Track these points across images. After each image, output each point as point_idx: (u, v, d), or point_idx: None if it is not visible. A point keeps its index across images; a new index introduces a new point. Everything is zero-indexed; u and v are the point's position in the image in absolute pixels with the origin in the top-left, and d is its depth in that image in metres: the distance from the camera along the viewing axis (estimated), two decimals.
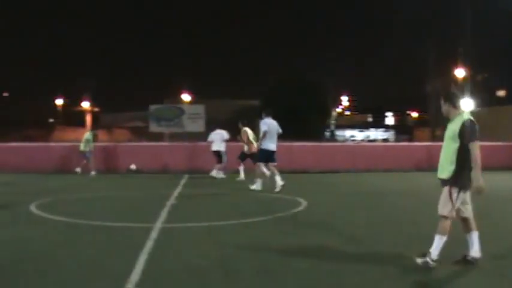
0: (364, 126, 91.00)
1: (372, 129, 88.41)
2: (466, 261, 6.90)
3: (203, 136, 23.51)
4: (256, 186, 16.16)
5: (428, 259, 6.68)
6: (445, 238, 6.74)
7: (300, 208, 12.35)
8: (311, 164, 24.47)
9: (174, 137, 42.90)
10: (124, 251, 7.77)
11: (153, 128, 46.77)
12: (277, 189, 15.49)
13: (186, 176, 20.92)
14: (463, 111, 6.94)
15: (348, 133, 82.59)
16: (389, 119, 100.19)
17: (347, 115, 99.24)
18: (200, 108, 47.54)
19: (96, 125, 71.03)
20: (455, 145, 6.74)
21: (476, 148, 6.62)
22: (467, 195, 6.87)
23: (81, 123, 77.08)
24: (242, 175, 19.89)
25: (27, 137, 59.21)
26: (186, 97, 63.09)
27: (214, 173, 21.05)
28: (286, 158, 24.65)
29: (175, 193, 15.43)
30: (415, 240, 8.36)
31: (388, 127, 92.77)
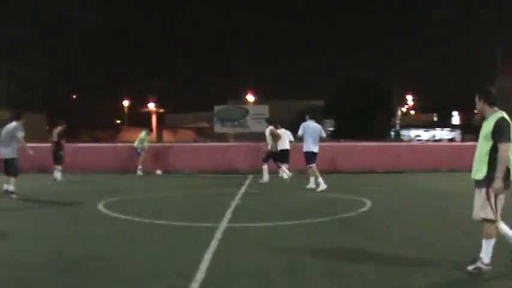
0: (429, 125, 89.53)
1: (438, 129, 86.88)
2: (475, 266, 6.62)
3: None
4: (321, 186, 16.08)
5: (479, 264, 6.49)
6: (493, 241, 6.53)
7: (365, 209, 12.21)
8: (376, 164, 24.20)
9: (238, 137, 43.08)
10: (189, 250, 7.83)
11: (218, 128, 47.18)
12: (319, 188, 16.04)
13: (251, 176, 20.97)
14: (498, 110, 6.68)
15: (413, 133, 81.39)
16: (455, 118, 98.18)
17: (412, 114, 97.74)
18: (264, 109, 47.66)
19: (161, 125, 72.14)
20: (489, 145, 6.52)
21: (504, 149, 6.39)
22: (503, 198, 6.60)
23: (147, 124, 78.37)
24: (266, 177, 19.24)
25: (95, 137, 60.56)
26: (250, 98, 63.30)
27: (285, 174, 21.07)
28: (351, 158, 24.54)
29: (240, 193, 15.48)
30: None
31: (454, 126, 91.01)
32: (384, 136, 63.01)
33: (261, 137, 24.06)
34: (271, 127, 19.45)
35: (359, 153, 24.81)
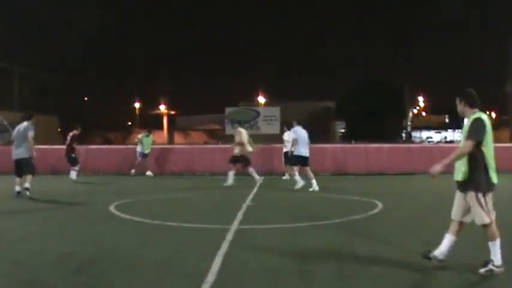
0: (441, 127, 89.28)
1: (449, 130, 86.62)
2: (427, 257, 6.80)
3: (279, 138, 23.52)
4: (314, 186, 16.72)
5: (491, 267, 6.48)
6: (498, 241, 6.55)
7: (376, 210, 12.20)
8: (387, 166, 24.17)
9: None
10: (200, 252, 7.84)
11: (229, 130, 47.24)
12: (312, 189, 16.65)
13: (262, 177, 20.97)
14: (477, 111, 6.73)
15: (425, 134, 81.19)
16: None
17: (423, 116, 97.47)
18: (275, 111, 47.76)
19: (172, 128, 72.29)
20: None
21: (466, 146, 6.47)
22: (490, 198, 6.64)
23: (158, 126, 78.50)
24: (231, 180, 18.67)
25: (107, 139, 60.78)
26: (261, 99, 63.33)
27: (283, 175, 21.28)
28: (362, 160, 24.52)
29: (251, 195, 15.49)
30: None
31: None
32: (395, 138, 62.89)
33: (272, 138, 24.11)
34: (241, 129, 19.32)
35: (370, 155, 24.79)
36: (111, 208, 12.59)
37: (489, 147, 6.57)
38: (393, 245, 8.32)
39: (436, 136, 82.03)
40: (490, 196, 6.60)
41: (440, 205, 13.49)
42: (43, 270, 6.84)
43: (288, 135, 22.16)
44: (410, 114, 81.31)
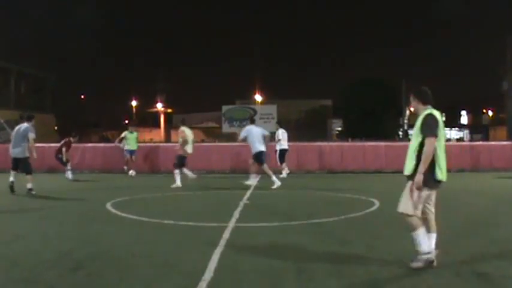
0: None
1: (446, 129, 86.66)
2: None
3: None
4: (252, 181, 17.62)
5: (421, 257, 6.64)
6: (421, 231, 6.68)
7: (373, 208, 12.21)
8: (384, 164, 24.20)
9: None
10: (197, 250, 7.86)
11: (226, 128, 47.26)
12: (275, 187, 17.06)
13: (259, 176, 20.99)
14: (430, 107, 6.83)
15: None
16: (464, 117, 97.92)
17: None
18: (272, 109, 47.79)
19: (169, 125, 72.27)
20: (417, 141, 6.68)
21: (429, 144, 6.51)
22: (431, 194, 6.77)
23: (155, 124, 78.47)
24: (178, 181, 17.97)
25: (104, 137, 60.75)
26: (258, 97, 63.35)
27: (280, 173, 21.38)
28: (359, 158, 24.56)
29: (248, 193, 15.50)
30: (494, 243, 8.19)
31: (462, 126, 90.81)
32: (392, 136, 62.93)
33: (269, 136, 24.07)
34: (184, 127, 18.74)
35: (367, 153, 24.82)
36: (109, 206, 12.60)
37: (440, 144, 6.66)
38: (390, 243, 8.33)
39: None
40: (429, 192, 6.71)
41: (438, 203, 13.54)
42: (40, 268, 6.83)
43: (280, 134, 22.39)
44: (407, 112, 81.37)
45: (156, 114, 77.23)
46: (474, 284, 6.15)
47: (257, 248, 8.04)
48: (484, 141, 46.11)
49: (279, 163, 22.17)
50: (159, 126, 76.42)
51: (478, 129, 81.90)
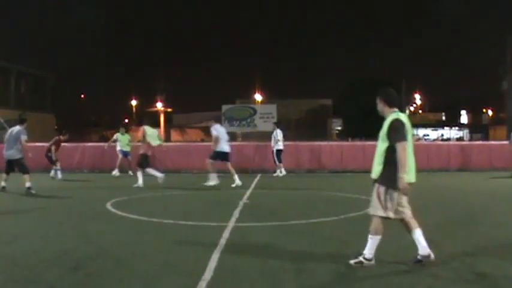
0: (437, 124, 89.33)
1: (446, 128, 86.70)
2: (418, 261, 6.83)
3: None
4: (212, 181, 17.68)
5: (361, 259, 6.73)
6: (378, 237, 6.75)
7: None
8: None
9: (246, 136, 43.06)
10: (197, 250, 7.86)
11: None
12: (234, 185, 17.43)
13: (259, 175, 21.04)
14: (396, 111, 6.84)
15: (421, 132, 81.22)
16: (464, 117, 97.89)
17: (420, 114, 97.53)
18: (272, 108, 47.77)
19: (169, 125, 72.35)
20: (384, 145, 6.71)
21: (402, 149, 6.51)
22: (402, 197, 6.74)
23: (155, 124, 78.37)
24: (141, 181, 17.83)
25: (104, 137, 60.76)
26: (258, 97, 63.35)
27: (281, 172, 21.47)
28: (359, 158, 24.56)
29: (248, 192, 15.52)
30: (491, 242, 8.19)
31: (462, 125, 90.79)
32: None
33: (269, 136, 24.14)
34: (145, 126, 18.43)
35: (367, 153, 24.80)
36: (108, 206, 12.61)
37: (407, 147, 6.65)
38: (390, 243, 8.31)
39: (432, 134, 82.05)
40: (396, 194, 6.68)
41: (437, 202, 13.58)
42: (40, 268, 6.84)
43: (279, 134, 22.47)
44: (407, 111, 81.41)
45: (156, 114, 77.18)
46: (474, 283, 6.15)
47: (257, 247, 8.04)
48: (484, 140, 46.17)
49: (276, 163, 22.25)
50: (158, 125, 76.39)
51: (478, 128, 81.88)
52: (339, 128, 75.91)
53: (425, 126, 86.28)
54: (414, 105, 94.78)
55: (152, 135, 18.32)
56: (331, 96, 76.09)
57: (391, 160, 6.59)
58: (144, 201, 14.28)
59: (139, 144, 18.68)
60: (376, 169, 6.78)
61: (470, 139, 67.59)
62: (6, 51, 41.49)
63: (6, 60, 45.17)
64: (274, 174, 21.95)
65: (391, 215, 6.74)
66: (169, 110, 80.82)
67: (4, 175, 16.08)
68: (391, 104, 6.90)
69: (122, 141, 23.24)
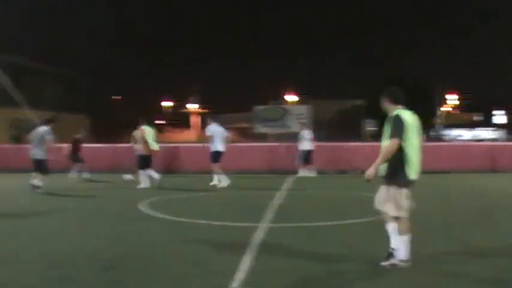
0: (472, 125, 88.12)
1: (481, 128, 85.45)
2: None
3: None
4: (223, 182, 17.60)
5: (395, 261, 6.71)
6: (406, 237, 6.76)
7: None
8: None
9: (279, 137, 43.00)
10: (230, 250, 7.88)
11: (258, 128, 47.24)
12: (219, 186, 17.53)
13: (291, 176, 20.99)
14: (401, 108, 6.89)
15: (455, 132, 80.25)
16: (500, 117, 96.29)
17: (455, 114, 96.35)
18: (304, 109, 47.63)
19: (203, 126, 72.58)
20: (388, 142, 6.71)
21: (390, 145, 6.59)
22: (407, 194, 6.77)
23: (189, 125, 78.77)
24: (148, 182, 17.78)
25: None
26: (291, 98, 63.29)
27: (310, 173, 21.35)
28: None
29: (281, 193, 15.47)
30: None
31: (498, 126, 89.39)
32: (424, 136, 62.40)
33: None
34: (144, 126, 18.39)
35: None
36: (141, 206, 12.68)
37: (411, 144, 6.69)
38: (426, 245, 8.22)
39: (467, 134, 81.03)
40: (404, 192, 6.74)
41: (472, 203, 13.40)
42: (74, 267, 6.92)
43: (307, 134, 22.29)
44: (440, 112, 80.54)
45: (188, 115, 77.57)
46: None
47: (289, 248, 8.01)
48: None
49: (301, 163, 22.04)
50: (190, 126, 76.77)
51: None
52: (373, 129, 75.40)
53: (459, 126, 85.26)
54: (448, 105, 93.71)
55: (150, 135, 18.27)
56: (365, 96, 75.58)
57: (395, 157, 6.65)
58: (175, 202, 14.33)
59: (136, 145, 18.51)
60: (383, 166, 6.79)
61: (508, 140, 66.54)
62: (42, 54, 41.99)
63: (42, 63, 45.76)
64: (300, 175, 21.73)
65: (402, 214, 6.76)
66: (202, 111, 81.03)
67: (34, 174, 16.36)
68: (395, 102, 6.97)
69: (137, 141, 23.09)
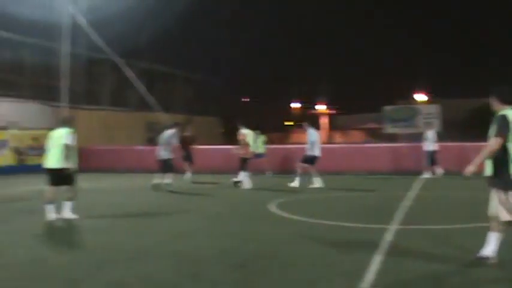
0: None
1: None
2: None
3: (438, 136, 22.73)
4: (317, 183, 17.52)
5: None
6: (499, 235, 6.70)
7: None
8: None
9: (408, 137, 42.16)
10: (359, 251, 7.81)
11: (388, 128, 46.55)
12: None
13: (422, 176, 20.49)
14: (507, 108, 6.60)
15: None
16: None
17: None
18: (434, 108, 46.45)
19: (332, 127, 72.48)
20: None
21: (492, 143, 6.43)
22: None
23: (318, 127, 78.77)
24: (248, 183, 17.98)
25: (269, 140, 61.89)
26: (420, 97, 61.91)
27: (434, 174, 20.84)
28: None
29: (411, 194, 15.14)
30: None
31: None
32: None
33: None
34: (242, 130, 18.39)
35: None
36: (270, 206, 12.81)
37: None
38: None
39: None
40: (510, 194, 6.48)
41: None
42: (206, 264, 7.10)
43: (431, 134, 21.68)
44: None
45: (316, 116, 77.56)
46: None
47: (421, 251, 7.83)
48: None
49: (428, 164, 21.42)
50: (318, 128, 76.70)
51: None
52: None
53: None
54: None
55: (250, 137, 18.51)
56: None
57: (498, 158, 6.54)
58: (304, 203, 14.37)
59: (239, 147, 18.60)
60: (488, 167, 6.69)
61: None
62: (173, 59, 43.30)
63: (172, 68, 47.26)
64: (425, 176, 21.08)
65: (507, 216, 6.64)
66: (331, 112, 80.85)
67: (158, 174, 17.54)
68: (503, 102, 6.77)
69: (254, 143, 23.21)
